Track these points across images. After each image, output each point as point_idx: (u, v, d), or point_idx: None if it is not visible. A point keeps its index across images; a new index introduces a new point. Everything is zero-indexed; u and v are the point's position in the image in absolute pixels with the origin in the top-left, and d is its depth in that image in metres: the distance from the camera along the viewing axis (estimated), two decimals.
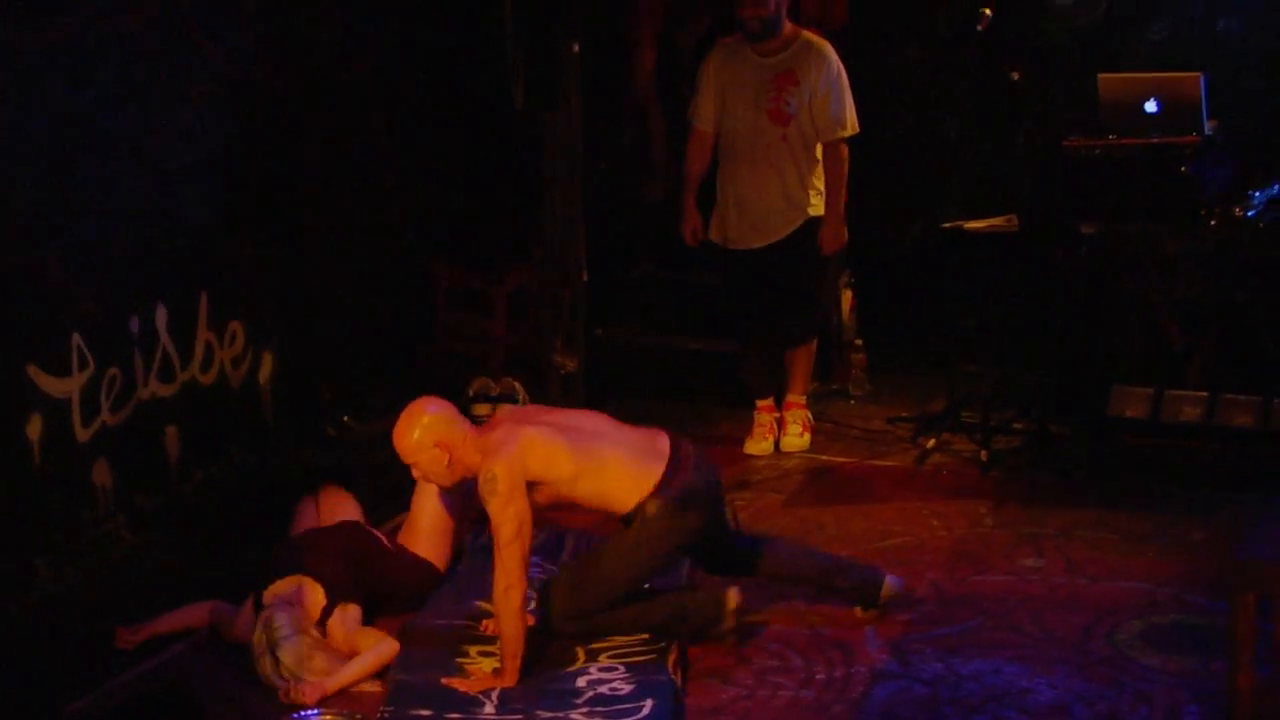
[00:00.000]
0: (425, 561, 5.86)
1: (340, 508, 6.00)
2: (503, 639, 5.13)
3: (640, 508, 5.26)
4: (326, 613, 5.47)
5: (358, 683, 5.22)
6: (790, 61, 7.11)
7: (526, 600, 5.11)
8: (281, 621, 5.24)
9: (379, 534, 5.90)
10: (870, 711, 5.03)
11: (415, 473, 5.31)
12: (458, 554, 6.03)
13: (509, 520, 5.05)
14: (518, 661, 5.12)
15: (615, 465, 5.27)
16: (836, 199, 7.18)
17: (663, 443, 5.37)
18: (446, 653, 5.38)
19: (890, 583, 5.59)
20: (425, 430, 5.17)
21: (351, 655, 5.32)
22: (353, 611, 5.51)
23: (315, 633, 5.33)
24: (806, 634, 5.53)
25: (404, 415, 5.21)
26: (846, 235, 7.25)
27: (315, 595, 5.46)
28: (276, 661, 5.18)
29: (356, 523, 5.91)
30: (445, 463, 5.18)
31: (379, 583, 5.67)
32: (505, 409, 5.66)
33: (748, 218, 7.21)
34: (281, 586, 5.42)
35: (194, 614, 5.60)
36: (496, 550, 5.08)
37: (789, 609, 5.68)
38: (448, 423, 5.20)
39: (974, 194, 7.83)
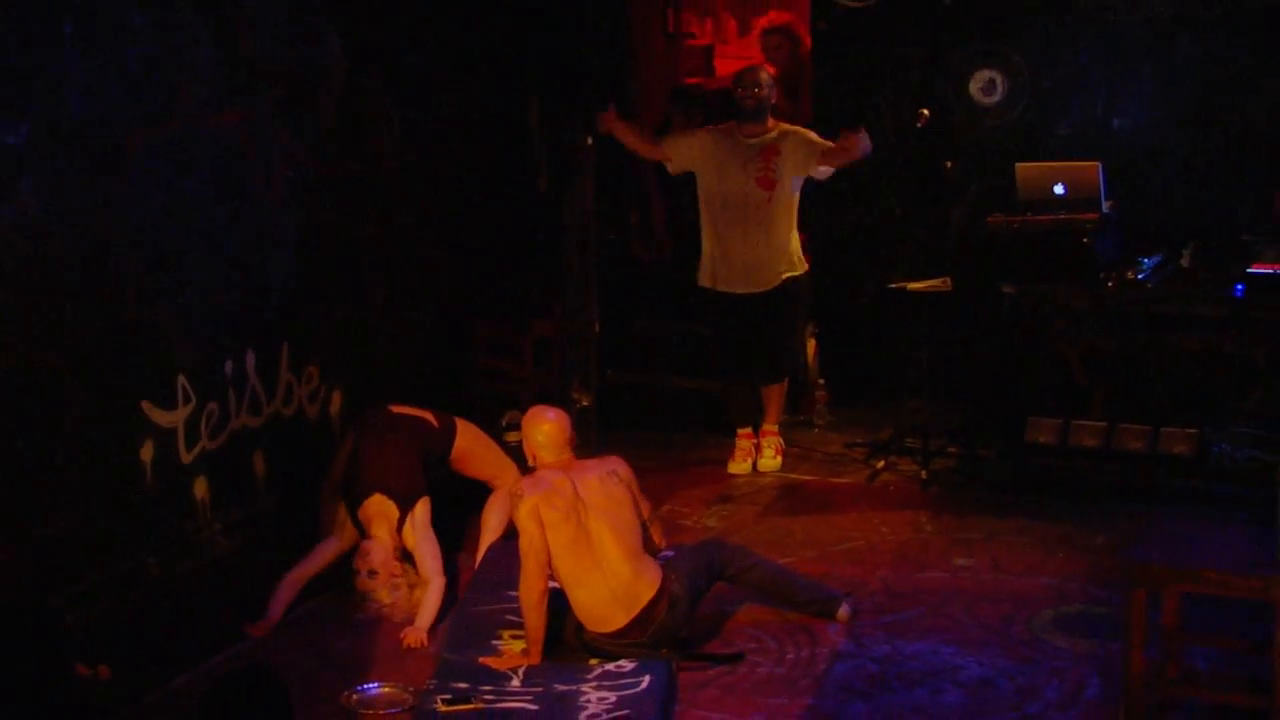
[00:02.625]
0: (445, 416, 6.27)
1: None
2: (526, 627, 5.15)
3: (585, 631, 5.21)
4: (401, 522, 5.84)
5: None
6: (772, 140, 7.15)
7: (545, 596, 5.11)
8: (366, 587, 5.75)
9: (413, 412, 6.24)
10: (831, 684, 5.03)
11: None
12: None
13: (523, 534, 5.12)
14: (539, 646, 5.13)
15: (588, 591, 5.15)
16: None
17: (647, 592, 5.14)
18: (484, 635, 5.39)
19: (844, 609, 5.54)
20: (540, 433, 5.28)
21: (415, 557, 5.81)
22: (420, 515, 5.87)
23: (398, 571, 5.81)
24: (778, 621, 5.53)
25: (542, 410, 5.40)
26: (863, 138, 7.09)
27: (389, 512, 5.85)
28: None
29: (398, 418, 6.17)
30: (530, 459, 5.33)
31: (435, 453, 6.13)
32: (609, 466, 5.37)
33: (739, 268, 7.20)
34: (371, 503, 5.83)
35: (287, 593, 5.78)
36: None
37: (763, 603, 5.68)
38: (543, 446, 5.27)
39: (915, 260, 7.83)
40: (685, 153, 7.30)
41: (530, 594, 5.09)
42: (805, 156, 7.12)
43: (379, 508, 5.84)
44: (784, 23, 8.76)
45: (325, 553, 5.94)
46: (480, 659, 5.18)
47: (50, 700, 4.06)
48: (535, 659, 5.13)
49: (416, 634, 5.46)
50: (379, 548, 5.76)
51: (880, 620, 5.53)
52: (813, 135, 7.19)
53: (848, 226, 8.25)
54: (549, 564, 5.11)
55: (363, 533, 5.87)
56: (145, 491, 5.80)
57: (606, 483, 5.24)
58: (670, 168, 7.42)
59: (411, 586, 5.82)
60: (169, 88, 5.83)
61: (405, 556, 5.89)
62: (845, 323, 8.34)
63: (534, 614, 5.10)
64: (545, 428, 5.26)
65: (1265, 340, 6.64)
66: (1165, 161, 7.69)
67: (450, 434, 6.24)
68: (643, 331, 8.66)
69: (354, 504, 5.90)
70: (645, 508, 5.37)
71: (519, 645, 5.26)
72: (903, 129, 8.03)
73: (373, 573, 5.73)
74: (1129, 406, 6.87)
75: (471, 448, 6.33)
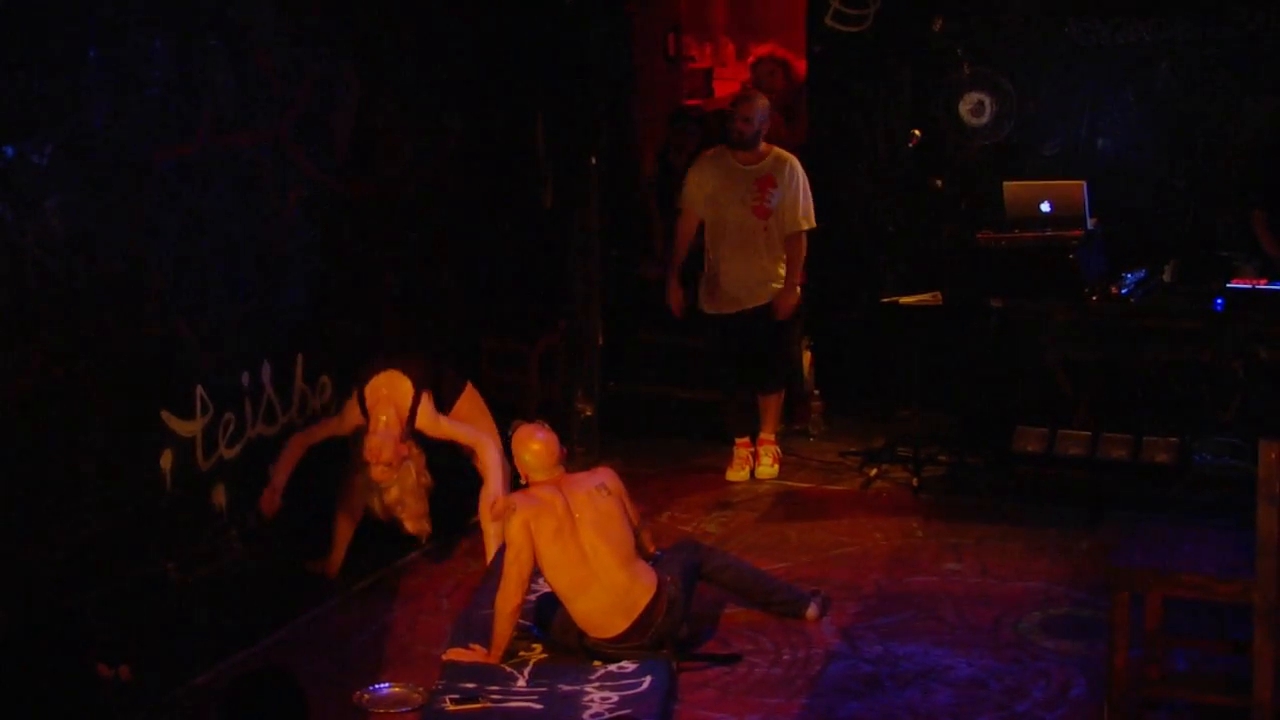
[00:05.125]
0: (461, 375, 6.26)
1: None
2: (494, 633, 5.16)
3: (587, 637, 5.20)
4: (415, 402, 5.76)
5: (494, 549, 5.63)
6: (768, 169, 7.14)
7: (519, 610, 5.15)
8: (382, 477, 5.68)
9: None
10: (826, 684, 5.03)
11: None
12: None
13: (510, 547, 5.11)
14: (501, 650, 5.15)
15: (589, 601, 5.14)
16: (794, 276, 7.20)
17: (644, 596, 5.14)
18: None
19: (812, 610, 5.54)
20: (529, 454, 5.25)
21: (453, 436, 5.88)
22: (431, 404, 5.83)
23: (405, 452, 5.71)
24: (775, 623, 5.53)
25: (530, 430, 5.31)
26: (798, 301, 7.24)
27: (398, 395, 5.77)
28: (383, 503, 5.73)
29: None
30: (522, 479, 5.33)
31: (446, 386, 6.05)
32: (597, 479, 5.34)
33: (733, 290, 7.21)
34: (379, 383, 5.79)
35: (294, 452, 5.94)
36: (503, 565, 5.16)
37: (737, 602, 5.65)
38: (533, 467, 5.25)
39: (907, 275, 7.84)
40: (699, 194, 7.24)
41: (506, 605, 5.11)
42: (796, 212, 7.13)
43: (388, 390, 5.75)
44: (779, 55, 8.81)
45: (324, 428, 6.02)
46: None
47: (74, 700, 4.08)
48: (495, 658, 5.14)
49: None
50: (388, 439, 5.68)
51: (873, 622, 5.53)
52: (803, 194, 7.15)
53: (843, 242, 8.26)
54: (530, 578, 5.13)
55: (365, 415, 5.81)
56: (165, 498, 5.82)
57: (595, 497, 5.24)
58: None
59: (419, 473, 5.80)
60: (189, 110, 5.85)
61: (411, 436, 5.86)
62: (840, 336, 8.34)
63: (506, 624, 5.14)
64: (534, 447, 5.26)
65: (1243, 352, 6.65)
66: (1147, 180, 7.70)
67: (461, 383, 6.23)
68: (644, 344, 8.67)
69: (362, 384, 5.83)
70: (635, 515, 5.39)
71: (520, 646, 5.27)
72: (895, 149, 8.05)
73: (389, 465, 5.68)
74: (1113, 416, 6.88)
75: (472, 412, 6.25)
